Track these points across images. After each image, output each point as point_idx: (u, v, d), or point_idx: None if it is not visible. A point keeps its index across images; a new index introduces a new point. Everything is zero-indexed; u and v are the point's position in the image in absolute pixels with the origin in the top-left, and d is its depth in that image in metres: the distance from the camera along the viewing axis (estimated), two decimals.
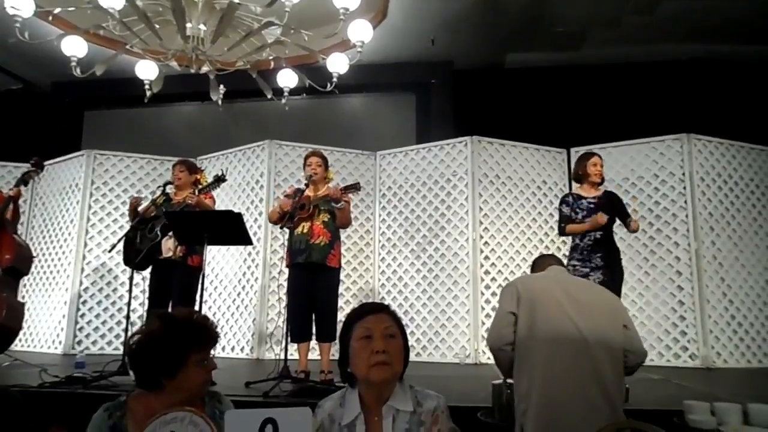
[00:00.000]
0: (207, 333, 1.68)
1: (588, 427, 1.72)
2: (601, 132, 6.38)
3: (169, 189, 4.49)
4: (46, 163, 5.11)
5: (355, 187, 4.11)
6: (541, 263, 2.60)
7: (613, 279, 3.87)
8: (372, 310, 1.69)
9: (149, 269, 4.37)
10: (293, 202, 4.08)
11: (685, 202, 5.65)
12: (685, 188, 5.67)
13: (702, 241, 5.55)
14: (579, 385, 2.06)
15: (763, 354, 5.58)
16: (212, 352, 1.72)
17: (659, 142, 5.88)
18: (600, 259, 3.92)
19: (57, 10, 4.57)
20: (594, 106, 7.42)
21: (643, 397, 3.33)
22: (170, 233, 4.07)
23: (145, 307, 4.38)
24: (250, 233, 4.22)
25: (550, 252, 5.98)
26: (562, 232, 4.18)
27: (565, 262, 3.95)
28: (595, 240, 3.97)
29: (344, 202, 4.07)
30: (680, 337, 5.46)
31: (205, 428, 1.31)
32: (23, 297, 6.31)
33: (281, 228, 4.10)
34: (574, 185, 4.34)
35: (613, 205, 4.05)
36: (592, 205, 4.06)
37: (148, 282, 4.37)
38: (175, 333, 1.64)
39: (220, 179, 4.23)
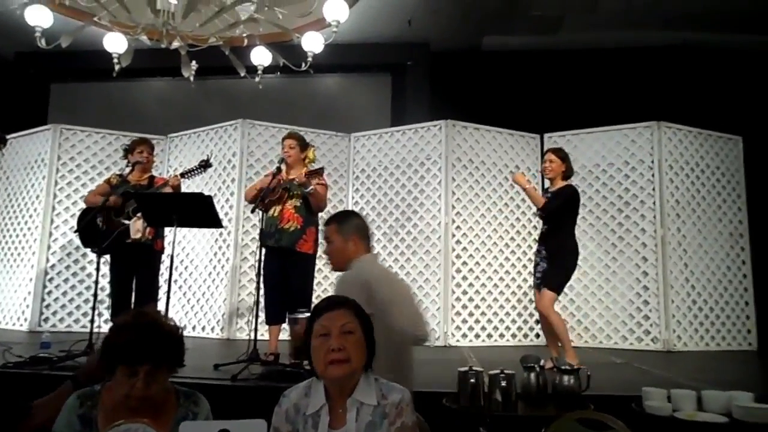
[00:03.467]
0: (138, 352, 1.56)
1: None
2: (574, 118, 6.46)
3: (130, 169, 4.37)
4: (10, 136, 4.97)
5: (317, 172, 4.07)
6: (359, 237, 2.55)
7: (552, 268, 4.12)
8: (329, 306, 1.70)
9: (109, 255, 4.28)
10: (268, 183, 4.04)
11: (653, 189, 5.76)
12: (653, 175, 5.78)
13: (668, 228, 5.68)
14: None
15: (721, 338, 5.78)
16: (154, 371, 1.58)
17: (631, 129, 5.97)
18: (545, 251, 4.19)
19: None
20: (569, 91, 7.46)
21: (605, 382, 3.43)
22: (139, 214, 4.01)
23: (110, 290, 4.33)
24: (222, 214, 4.19)
25: (521, 236, 6.06)
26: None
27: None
28: (541, 233, 4.29)
29: (313, 187, 4.00)
30: (643, 321, 5.61)
31: None
32: None
33: (252, 211, 4.07)
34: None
35: (555, 200, 4.16)
36: (547, 197, 4.26)
37: (110, 267, 4.30)
38: (108, 340, 1.63)
39: (205, 164, 4.15)
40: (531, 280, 5.88)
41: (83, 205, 6.07)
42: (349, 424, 1.59)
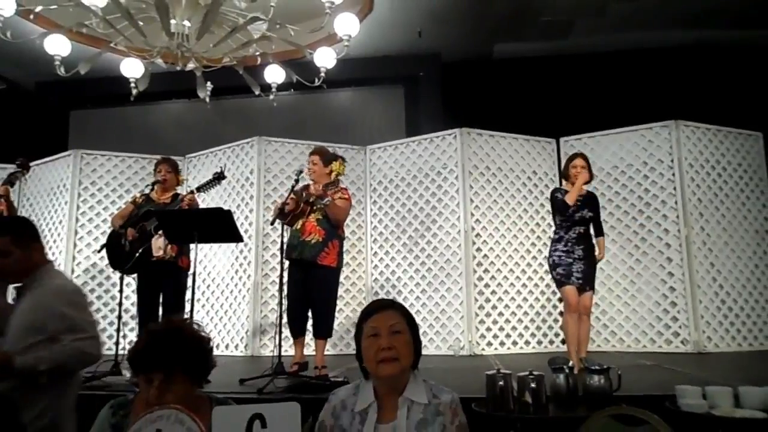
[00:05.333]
0: (149, 360, 1.59)
1: None
2: (590, 121, 6.42)
3: (150, 188, 4.45)
4: (32, 163, 5.05)
5: (333, 184, 4.07)
6: (39, 243, 2.43)
7: (591, 269, 4.28)
8: (378, 308, 1.78)
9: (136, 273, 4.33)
10: (293, 198, 4.06)
11: (675, 188, 5.68)
12: (674, 175, 5.71)
13: (692, 227, 5.59)
14: None
15: (753, 337, 5.64)
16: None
17: (647, 129, 5.92)
18: (581, 251, 4.26)
19: (39, 9, 4.52)
20: (582, 95, 7.44)
21: (635, 382, 3.36)
22: (160, 232, 4.05)
23: (136, 309, 4.37)
24: (241, 231, 4.20)
25: (542, 242, 6.01)
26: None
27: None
28: (579, 234, 4.30)
29: (329, 199, 3.97)
30: (671, 323, 5.51)
31: (192, 426, 1.30)
32: (14, 299, 6.25)
33: (271, 223, 4.09)
34: (563, 182, 4.63)
35: (594, 204, 4.43)
36: (578, 202, 4.31)
37: (136, 285, 4.34)
38: (131, 348, 1.65)
39: (219, 176, 4.18)
40: (553, 285, 5.86)
41: (105, 229, 6.21)
42: (400, 420, 1.65)
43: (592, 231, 4.42)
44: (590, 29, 7.39)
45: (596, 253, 4.40)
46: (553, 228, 5.60)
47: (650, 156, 5.85)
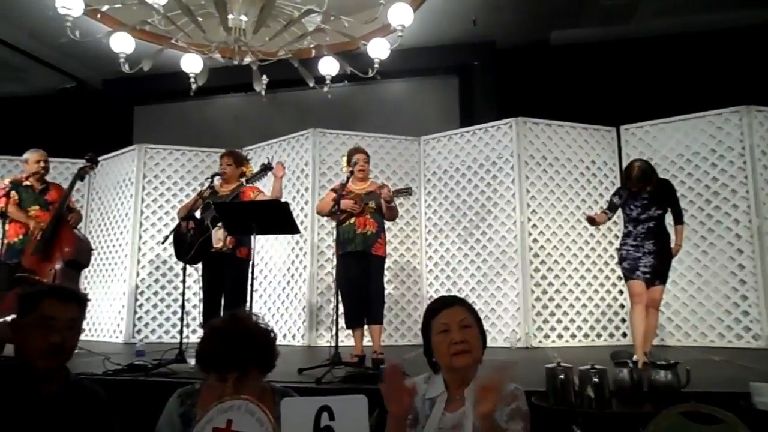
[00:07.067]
0: (225, 361, 1.61)
1: None
2: (652, 108, 6.17)
3: (217, 180, 4.55)
4: (100, 158, 5.28)
5: (407, 192, 4.27)
6: None
7: (662, 263, 4.08)
8: (446, 305, 1.83)
9: (200, 263, 4.46)
10: (337, 195, 4.13)
11: (746, 177, 5.40)
12: (744, 163, 5.43)
13: (765, 218, 5.30)
14: None
15: None
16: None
17: (716, 115, 5.64)
18: (652, 245, 4.06)
19: (105, 8, 4.70)
20: (645, 80, 7.15)
21: (706, 379, 3.22)
22: (220, 224, 4.15)
23: (200, 297, 4.50)
24: (297, 222, 4.26)
25: (601, 233, 5.84)
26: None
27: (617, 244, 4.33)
28: (648, 228, 4.10)
29: (395, 205, 4.23)
30: (742, 317, 5.25)
31: (261, 416, 1.32)
32: (85, 288, 6.57)
33: (327, 218, 4.19)
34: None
35: (664, 195, 4.14)
36: (645, 201, 4.09)
37: (200, 276, 4.48)
38: (200, 346, 1.68)
39: (266, 168, 4.28)
40: (613, 277, 5.69)
41: (168, 221, 6.42)
42: (467, 408, 1.71)
43: (668, 221, 4.16)
44: (654, 12, 7.08)
45: (673, 243, 4.15)
46: (612, 219, 5.43)
47: (719, 143, 5.57)
